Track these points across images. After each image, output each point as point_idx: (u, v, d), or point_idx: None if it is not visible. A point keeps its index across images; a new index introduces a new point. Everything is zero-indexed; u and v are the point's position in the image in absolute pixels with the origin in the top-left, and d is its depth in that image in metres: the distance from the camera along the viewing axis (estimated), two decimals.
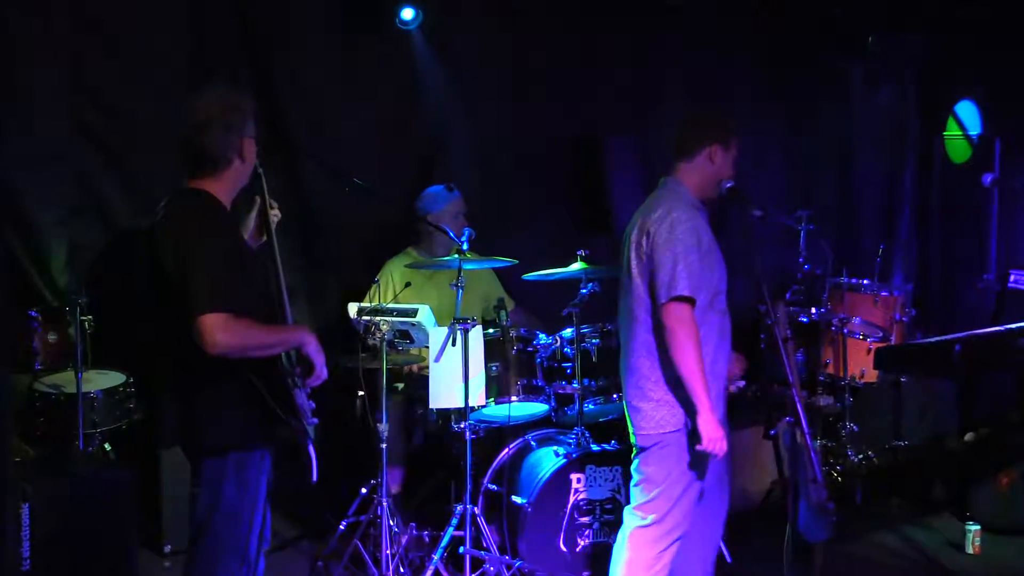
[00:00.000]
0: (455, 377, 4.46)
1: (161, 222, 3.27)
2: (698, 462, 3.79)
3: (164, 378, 3.31)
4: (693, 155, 3.86)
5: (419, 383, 4.85)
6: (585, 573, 4.63)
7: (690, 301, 3.69)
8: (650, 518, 3.84)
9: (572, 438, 4.71)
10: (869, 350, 5.76)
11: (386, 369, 4.45)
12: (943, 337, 4.77)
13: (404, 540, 4.55)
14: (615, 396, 4.77)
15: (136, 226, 5.19)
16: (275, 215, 3.53)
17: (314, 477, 3.40)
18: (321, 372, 3.31)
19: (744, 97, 6.86)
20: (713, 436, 3.66)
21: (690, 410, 3.73)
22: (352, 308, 4.65)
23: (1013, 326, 4.82)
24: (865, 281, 5.94)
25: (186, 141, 3.29)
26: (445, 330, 4.49)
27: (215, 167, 3.29)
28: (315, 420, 3.38)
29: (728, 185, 3.83)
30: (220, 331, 3.04)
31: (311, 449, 3.35)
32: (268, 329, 3.24)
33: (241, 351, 3.12)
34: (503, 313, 4.92)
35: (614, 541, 4.62)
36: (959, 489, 5.50)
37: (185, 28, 5.36)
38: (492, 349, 4.73)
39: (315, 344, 3.29)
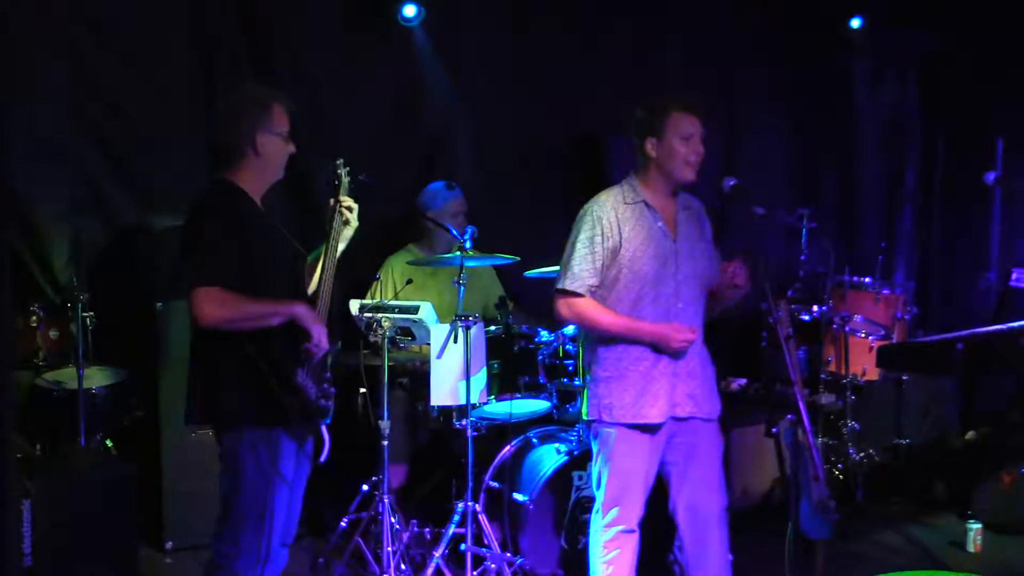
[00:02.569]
0: (457, 374, 4.46)
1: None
2: (611, 456, 3.88)
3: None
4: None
5: (422, 379, 4.84)
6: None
7: (573, 294, 3.84)
8: (595, 505, 3.99)
9: (574, 435, 4.70)
10: (871, 348, 5.76)
11: (388, 366, 4.44)
12: (945, 335, 4.77)
13: (405, 537, 4.55)
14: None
15: (137, 222, 5.20)
16: (347, 218, 3.65)
17: (322, 457, 3.50)
18: (319, 341, 3.34)
19: (746, 96, 6.85)
20: (671, 336, 3.75)
21: (608, 402, 3.83)
22: (354, 305, 4.64)
23: (1014, 325, 4.82)
24: (867, 279, 5.94)
25: (212, 133, 3.50)
26: (447, 327, 4.49)
27: (230, 159, 3.42)
28: (327, 403, 3.44)
29: (731, 183, 3.82)
30: (207, 304, 3.20)
31: (323, 430, 3.48)
32: (255, 302, 3.31)
33: (228, 323, 3.25)
34: (505, 311, 4.92)
35: None
36: (960, 488, 5.51)
37: (187, 26, 5.37)
38: (494, 346, 4.72)
39: (308, 314, 3.35)
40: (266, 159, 3.45)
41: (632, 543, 3.92)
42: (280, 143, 3.47)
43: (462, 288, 4.54)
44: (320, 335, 3.34)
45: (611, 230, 3.80)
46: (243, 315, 3.27)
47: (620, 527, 3.89)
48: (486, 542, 4.51)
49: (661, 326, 3.78)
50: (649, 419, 3.82)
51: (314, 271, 3.65)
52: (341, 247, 3.68)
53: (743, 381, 6.15)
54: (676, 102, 3.77)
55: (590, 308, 3.83)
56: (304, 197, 5.55)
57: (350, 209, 3.67)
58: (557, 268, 4.78)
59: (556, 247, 5.08)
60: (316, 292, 3.55)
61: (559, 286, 3.87)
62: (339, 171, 3.72)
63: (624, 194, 3.86)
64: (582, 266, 3.82)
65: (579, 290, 3.83)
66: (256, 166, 3.44)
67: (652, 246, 3.81)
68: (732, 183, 3.83)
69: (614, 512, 3.90)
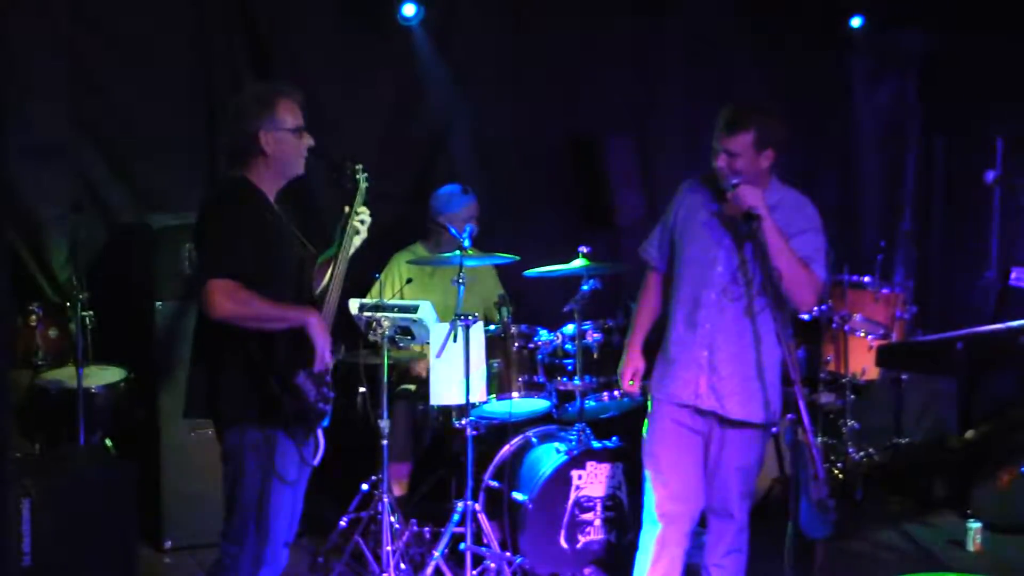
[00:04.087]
0: (456, 373, 4.46)
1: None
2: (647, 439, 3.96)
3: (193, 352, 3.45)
4: None
5: (425, 383, 4.84)
6: (586, 570, 4.63)
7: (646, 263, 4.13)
8: None
9: (573, 435, 4.70)
10: (870, 347, 5.75)
11: (387, 365, 4.44)
12: (944, 335, 4.77)
13: (405, 536, 4.54)
14: (616, 393, 4.77)
15: (136, 222, 5.21)
16: (359, 224, 3.62)
17: (316, 461, 3.50)
18: (323, 354, 3.33)
19: (744, 96, 6.84)
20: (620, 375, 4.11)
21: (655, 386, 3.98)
22: (353, 304, 4.64)
23: (1014, 324, 4.82)
24: (866, 278, 5.93)
25: (224, 133, 3.55)
26: (446, 326, 4.49)
27: (242, 158, 3.41)
28: (325, 406, 3.44)
29: (733, 182, 3.81)
30: (223, 296, 3.18)
31: (319, 433, 3.49)
32: (271, 304, 3.29)
33: (240, 319, 3.23)
34: (504, 310, 4.92)
35: (614, 538, 4.65)
36: (960, 487, 5.51)
37: (187, 25, 5.37)
38: (493, 345, 4.72)
39: (317, 325, 3.32)
40: (275, 156, 3.39)
41: (663, 550, 3.90)
42: (289, 138, 3.40)
43: (461, 287, 4.53)
44: (325, 349, 3.32)
45: (675, 208, 3.99)
46: (255, 314, 3.25)
47: (654, 523, 3.91)
48: (485, 541, 4.51)
49: (627, 363, 4.06)
50: (672, 395, 3.86)
51: (322, 272, 3.61)
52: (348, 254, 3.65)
53: None
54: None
55: (645, 284, 4.12)
56: (305, 197, 5.55)
57: (362, 222, 3.62)
58: (558, 268, 4.81)
59: (556, 247, 5.10)
60: (323, 297, 3.50)
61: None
62: (357, 176, 3.63)
63: (705, 179, 3.95)
64: (649, 239, 4.11)
65: (646, 259, 4.10)
66: (266, 164, 3.40)
67: (699, 231, 3.87)
68: (734, 182, 3.84)
69: (648, 507, 3.93)
